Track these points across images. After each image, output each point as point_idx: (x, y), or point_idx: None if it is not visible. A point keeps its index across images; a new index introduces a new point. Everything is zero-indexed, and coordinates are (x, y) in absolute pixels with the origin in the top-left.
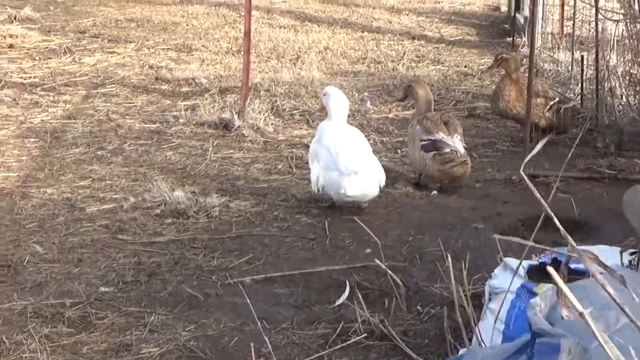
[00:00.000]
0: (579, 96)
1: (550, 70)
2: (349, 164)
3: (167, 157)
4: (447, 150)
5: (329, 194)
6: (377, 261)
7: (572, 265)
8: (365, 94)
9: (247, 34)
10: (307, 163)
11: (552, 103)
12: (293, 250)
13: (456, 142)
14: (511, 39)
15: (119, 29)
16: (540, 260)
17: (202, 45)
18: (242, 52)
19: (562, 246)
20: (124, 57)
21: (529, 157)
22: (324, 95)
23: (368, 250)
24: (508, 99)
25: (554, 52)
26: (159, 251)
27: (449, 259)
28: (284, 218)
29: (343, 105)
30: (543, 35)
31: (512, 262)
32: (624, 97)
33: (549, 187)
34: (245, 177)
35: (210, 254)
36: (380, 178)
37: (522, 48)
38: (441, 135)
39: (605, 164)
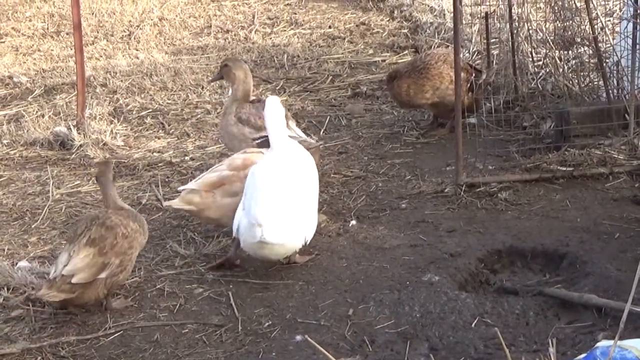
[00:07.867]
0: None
1: (430, 23)
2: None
3: None
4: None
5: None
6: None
7: None
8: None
9: (77, 26)
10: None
11: (472, 78)
12: (197, 347)
13: (295, 129)
14: None
15: None
16: None
17: (13, 28)
18: (62, 34)
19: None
20: None
21: None
22: None
23: (298, 338)
24: (413, 90)
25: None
26: None
27: None
28: (173, 292)
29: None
30: None
31: None
32: (546, 59)
33: (494, 199)
34: None
35: None
36: (307, 233)
37: None
38: None
39: (555, 159)
